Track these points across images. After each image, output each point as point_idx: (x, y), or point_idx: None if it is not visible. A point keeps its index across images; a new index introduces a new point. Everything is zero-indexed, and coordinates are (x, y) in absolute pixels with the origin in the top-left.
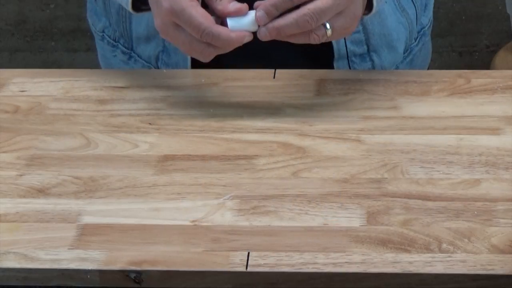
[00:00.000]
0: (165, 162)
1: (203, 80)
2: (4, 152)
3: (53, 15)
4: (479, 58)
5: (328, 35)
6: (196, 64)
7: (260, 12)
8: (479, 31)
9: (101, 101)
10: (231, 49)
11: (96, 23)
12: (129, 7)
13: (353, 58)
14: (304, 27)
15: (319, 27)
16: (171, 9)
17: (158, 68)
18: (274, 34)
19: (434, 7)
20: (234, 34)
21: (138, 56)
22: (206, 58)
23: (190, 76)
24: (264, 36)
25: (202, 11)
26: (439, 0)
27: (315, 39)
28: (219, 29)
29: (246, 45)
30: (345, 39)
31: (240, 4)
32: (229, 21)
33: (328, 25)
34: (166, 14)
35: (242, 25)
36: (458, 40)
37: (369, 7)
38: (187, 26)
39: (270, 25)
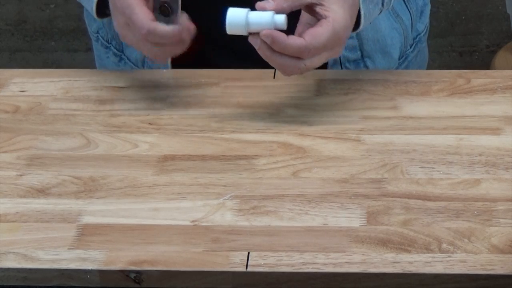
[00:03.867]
0: (165, 162)
1: (203, 80)
2: (4, 152)
3: (53, 15)
4: (479, 58)
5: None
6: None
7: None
8: (479, 31)
9: (101, 101)
10: (178, 48)
11: (91, 24)
12: (93, 13)
13: (347, 64)
14: (289, 73)
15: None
16: (121, 7)
17: None
18: (263, 53)
19: (434, 7)
20: (170, 28)
21: (128, 59)
22: (157, 59)
23: (190, 76)
24: (254, 44)
25: (146, 10)
26: (439, 0)
27: (288, 75)
28: (155, 24)
29: (242, 47)
30: None
31: None
32: (250, 17)
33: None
34: (119, 13)
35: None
36: (458, 40)
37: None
38: (130, 22)
39: (269, 50)
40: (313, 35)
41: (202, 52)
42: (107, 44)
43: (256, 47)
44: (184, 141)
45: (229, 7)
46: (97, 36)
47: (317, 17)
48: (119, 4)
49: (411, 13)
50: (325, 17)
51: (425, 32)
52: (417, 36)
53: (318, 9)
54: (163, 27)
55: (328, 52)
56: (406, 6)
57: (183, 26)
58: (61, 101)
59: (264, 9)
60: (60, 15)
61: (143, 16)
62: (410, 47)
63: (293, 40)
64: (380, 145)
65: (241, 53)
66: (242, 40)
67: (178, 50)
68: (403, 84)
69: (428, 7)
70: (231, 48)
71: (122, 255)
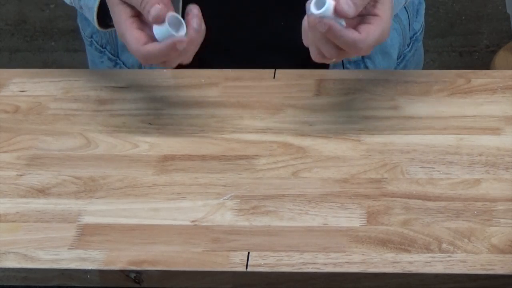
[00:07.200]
0: (165, 162)
1: (203, 80)
2: (4, 152)
3: (53, 15)
4: (479, 58)
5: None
6: None
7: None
8: (479, 31)
9: (101, 101)
10: (183, 58)
11: (85, 28)
12: (95, 23)
13: (348, 65)
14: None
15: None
16: (119, 34)
17: None
18: (321, 27)
19: (434, 7)
20: (164, 46)
21: (123, 64)
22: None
23: (190, 76)
24: (321, 27)
25: (137, 33)
26: (439, 0)
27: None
28: (148, 47)
29: (240, 49)
30: None
31: (158, 9)
32: (155, 30)
33: None
34: (119, 38)
35: (166, 33)
36: (458, 40)
37: None
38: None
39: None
40: (367, 31)
41: (202, 57)
42: (101, 49)
43: (321, 29)
44: (184, 141)
45: None
46: (91, 40)
47: (365, 13)
48: (118, 30)
49: (408, 12)
50: (377, 15)
51: (421, 31)
52: (414, 35)
53: (372, 6)
54: (154, 48)
55: None
56: (404, 5)
57: (176, 39)
58: (61, 101)
59: (344, 14)
60: (60, 15)
61: (135, 42)
62: (408, 47)
63: (351, 33)
64: (380, 145)
65: (241, 57)
66: (242, 44)
67: (184, 59)
68: (403, 84)
69: (423, 6)
70: (231, 52)
71: (122, 255)
